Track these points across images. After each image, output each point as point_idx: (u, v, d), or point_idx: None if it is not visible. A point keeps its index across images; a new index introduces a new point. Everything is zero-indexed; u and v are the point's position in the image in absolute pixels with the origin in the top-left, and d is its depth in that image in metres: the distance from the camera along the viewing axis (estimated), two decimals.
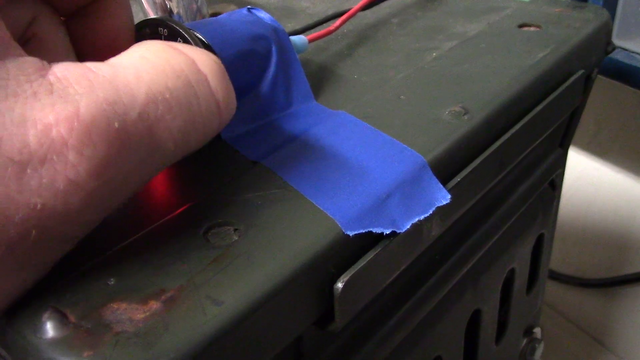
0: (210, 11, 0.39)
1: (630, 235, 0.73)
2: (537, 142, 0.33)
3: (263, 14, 0.29)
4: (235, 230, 0.22)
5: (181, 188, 0.25)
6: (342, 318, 0.23)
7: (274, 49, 0.29)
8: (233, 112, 0.22)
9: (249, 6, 0.30)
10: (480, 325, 0.36)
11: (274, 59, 0.29)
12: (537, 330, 0.47)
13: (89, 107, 0.17)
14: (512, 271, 0.38)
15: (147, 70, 0.19)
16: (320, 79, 0.33)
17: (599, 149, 0.71)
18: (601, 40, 0.38)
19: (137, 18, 0.42)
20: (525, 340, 0.46)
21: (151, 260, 0.21)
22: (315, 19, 0.38)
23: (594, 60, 0.38)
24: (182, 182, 0.25)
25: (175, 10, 0.37)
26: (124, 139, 0.18)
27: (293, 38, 0.31)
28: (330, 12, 0.42)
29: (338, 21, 0.35)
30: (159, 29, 0.26)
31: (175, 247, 0.22)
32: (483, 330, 0.36)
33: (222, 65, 0.21)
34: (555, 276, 0.78)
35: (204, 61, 0.21)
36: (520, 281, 0.39)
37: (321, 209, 0.23)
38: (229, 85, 0.21)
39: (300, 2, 0.44)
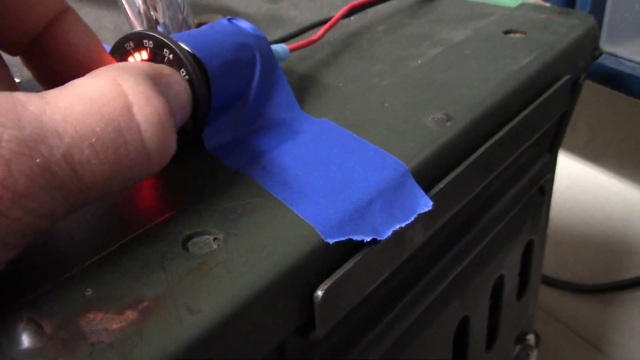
0: (196, 21, 0.39)
1: (626, 240, 0.73)
2: (523, 147, 0.33)
3: (244, 24, 0.29)
4: (215, 239, 0.22)
5: (161, 197, 0.25)
6: (323, 326, 0.23)
7: (257, 57, 0.29)
8: (167, 161, 0.21)
9: (229, 17, 0.30)
10: (469, 332, 0.36)
11: (258, 68, 0.29)
12: (530, 337, 0.47)
13: (11, 141, 0.17)
14: (501, 277, 0.37)
15: (78, 111, 0.19)
16: (305, 87, 0.33)
17: (593, 155, 0.71)
18: (588, 45, 0.38)
19: (124, 29, 0.42)
20: (518, 348, 0.45)
21: (129, 270, 0.21)
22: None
23: (580, 65, 0.38)
24: (163, 192, 0.25)
25: (160, 21, 0.37)
26: (46, 177, 0.18)
27: (274, 46, 0.31)
28: (317, 20, 0.42)
29: (320, 31, 0.35)
30: (144, 41, 0.26)
31: (154, 256, 0.21)
32: (472, 337, 0.36)
33: (164, 114, 0.21)
34: (550, 282, 0.78)
35: (142, 109, 0.20)
36: (510, 287, 0.39)
37: (301, 216, 0.23)
38: (167, 135, 0.21)
39: (288, 11, 0.44)
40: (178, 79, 0.23)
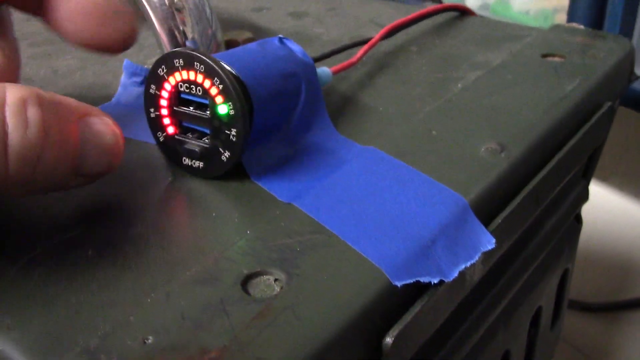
0: (225, 37, 0.38)
1: (634, 259, 0.72)
2: (570, 176, 0.32)
3: (295, 46, 0.28)
4: (276, 280, 0.21)
5: (212, 231, 0.23)
6: None
7: (303, 87, 0.28)
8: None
9: (280, 35, 0.29)
10: None
11: (302, 97, 0.28)
12: None
13: None
14: (540, 308, 0.36)
15: None
16: (345, 110, 0.32)
17: (601, 173, 0.71)
18: (625, 70, 0.38)
19: (148, 42, 0.40)
20: None
21: (189, 314, 0.20)
22: (331, 45, 0.37)
23: (618, 90, 0.37)
24: (213, 225, 0.24)
25: (189, 36, 0.35)
26: None
27: (317, 70, 0.30)
28: (345, 38, 0.41)
29: (360, 52, 0.34)
30: (195, 63, 0.24)
31: (213, 299, 0.20)
32: None
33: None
34: None
35: None
36: (547, 317, 0.38)
37: (364, 255, 0.22)
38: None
39: (314, 28, 0.43)
40: (105, 121, 0.23)
